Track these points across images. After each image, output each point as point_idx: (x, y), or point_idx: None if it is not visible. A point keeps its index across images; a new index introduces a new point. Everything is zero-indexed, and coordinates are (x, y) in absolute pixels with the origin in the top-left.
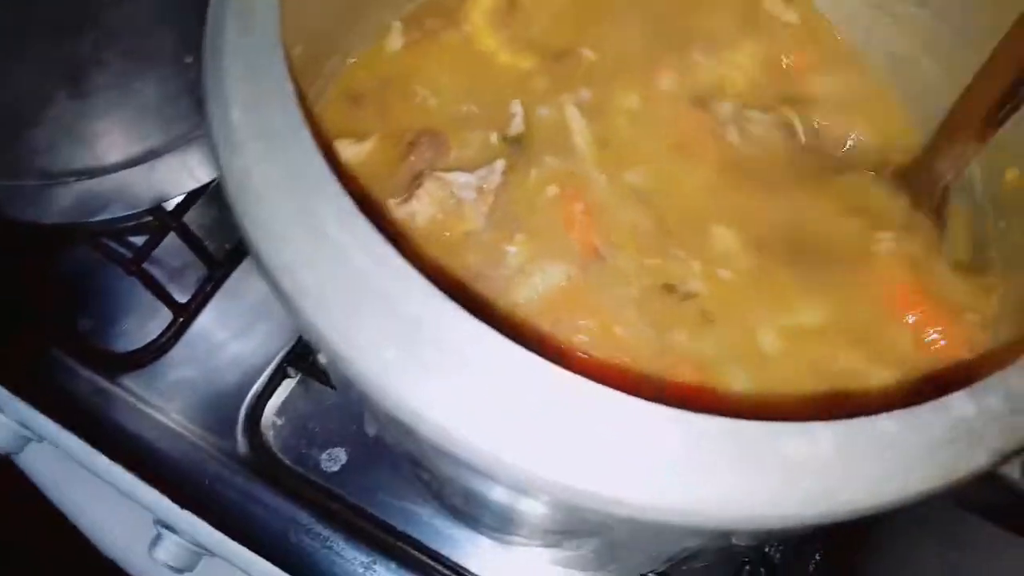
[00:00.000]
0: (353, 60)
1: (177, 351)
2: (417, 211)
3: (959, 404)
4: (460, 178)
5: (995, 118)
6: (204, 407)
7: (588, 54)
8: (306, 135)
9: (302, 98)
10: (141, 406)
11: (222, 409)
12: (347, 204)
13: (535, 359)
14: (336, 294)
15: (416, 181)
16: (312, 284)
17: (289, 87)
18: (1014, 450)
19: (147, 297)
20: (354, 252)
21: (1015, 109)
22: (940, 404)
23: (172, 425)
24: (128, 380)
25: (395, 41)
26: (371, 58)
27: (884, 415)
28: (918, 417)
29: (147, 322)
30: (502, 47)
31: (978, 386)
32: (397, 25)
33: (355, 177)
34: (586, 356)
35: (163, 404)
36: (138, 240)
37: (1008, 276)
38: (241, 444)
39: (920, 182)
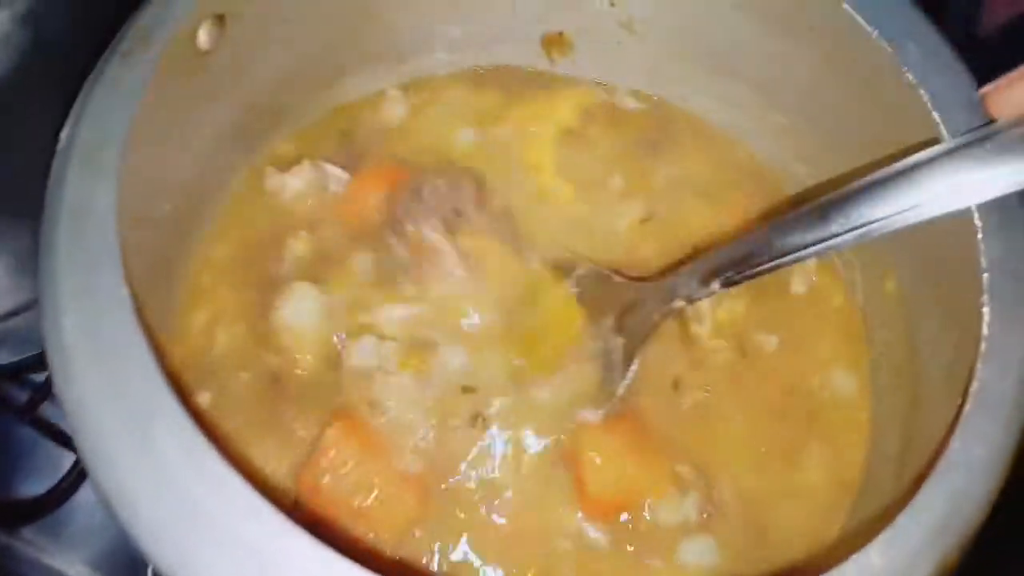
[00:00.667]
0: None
1: (82, 494)
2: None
3: None
4: (432, 235)
5: (731, 279)
6: (110, 554)
7: None
8: (144, 352)
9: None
10: (45, 559)
11: (129, 555)
12: (188, 427)
13: None
14: (175, 528)
15: (398, 227)
16: (149, 516)
17: (124, 294)
18: None
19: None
20: (194, 481)
21: (748, 279)
22: None
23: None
24: (30, 531)
25: (395, 108)
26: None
27: None
28: None
29: (54, 462)
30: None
31: (837, 571)
32: (395, 93)
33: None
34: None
35: (68, 554)
36: (38, 377)
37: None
38: None
39: (647, 301)
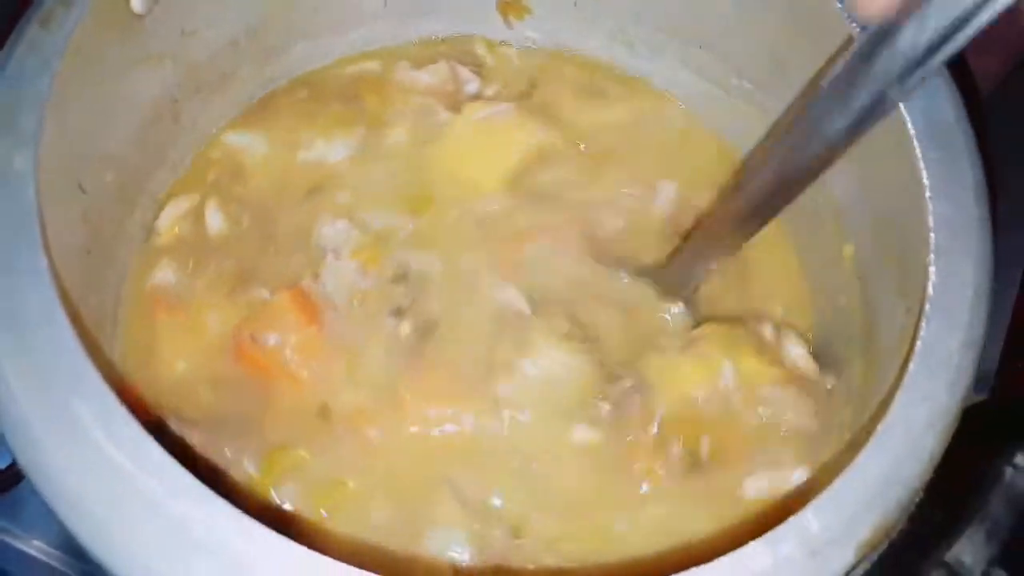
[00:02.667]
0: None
1: None
2: None
3: (756, 555)
4: None
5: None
6: (68, 532)
7: None
8: (63, 323)
9: None
10: (3, 537)
11: None
12: (109, 399)
13: (309, 555)
14: (97, 499)
15: None
16: (72, 490)
17: (43, 264)
18: None
19: None
20: (114, 451)
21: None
22: (737, 557)
23: (37, 554)
24: None
25: None
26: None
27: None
28: (715, 574)
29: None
30: None
31: (773, 534)
32: None
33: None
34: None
35: (25, 533)
36: None
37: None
38: None
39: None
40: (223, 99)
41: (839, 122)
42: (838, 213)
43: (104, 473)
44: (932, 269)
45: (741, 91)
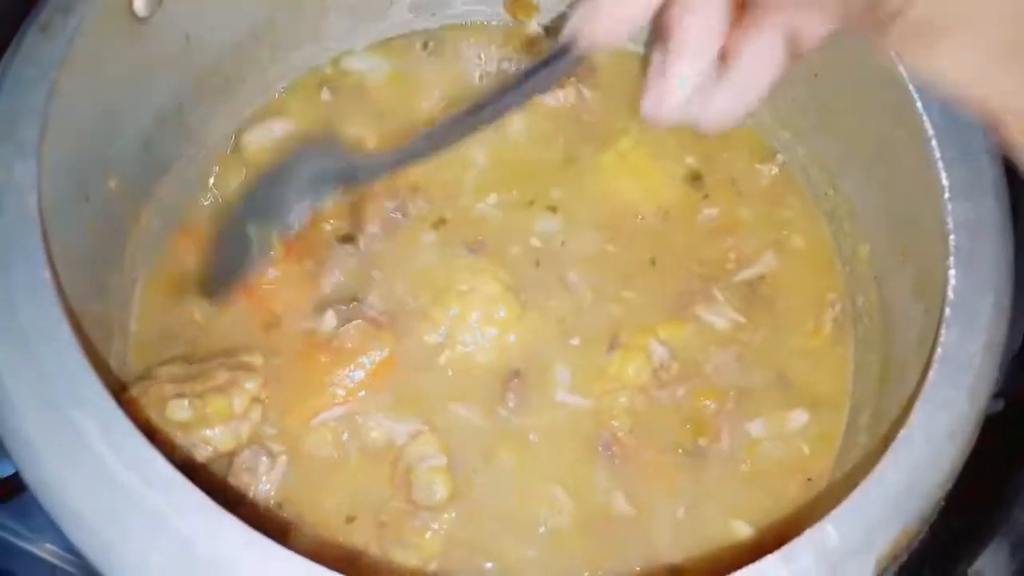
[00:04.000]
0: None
1: None
2: None
3: (771, 571)
4: None
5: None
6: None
7: None
8: (67, 335)
9: None
10: (15, 540)
11: None
12: (113, 413)
13: (319, 571)
14: (101, 515)
15: None
16: (74, 504)
17: (46, 276)
18: None
19: None
20: (118, 466)
21: None
22: (753, 572)
23: (47, 557)
24: (0, 514)
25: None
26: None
27: None
28: None
29: None
30: None
31: (788, 548)
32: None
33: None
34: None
35: (39, 537)
36: None
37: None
38: None
39: None
40: (228, 105)
41: None
42: (853, 212)
43: (109, 489)
44: (952, 272)
45: None
